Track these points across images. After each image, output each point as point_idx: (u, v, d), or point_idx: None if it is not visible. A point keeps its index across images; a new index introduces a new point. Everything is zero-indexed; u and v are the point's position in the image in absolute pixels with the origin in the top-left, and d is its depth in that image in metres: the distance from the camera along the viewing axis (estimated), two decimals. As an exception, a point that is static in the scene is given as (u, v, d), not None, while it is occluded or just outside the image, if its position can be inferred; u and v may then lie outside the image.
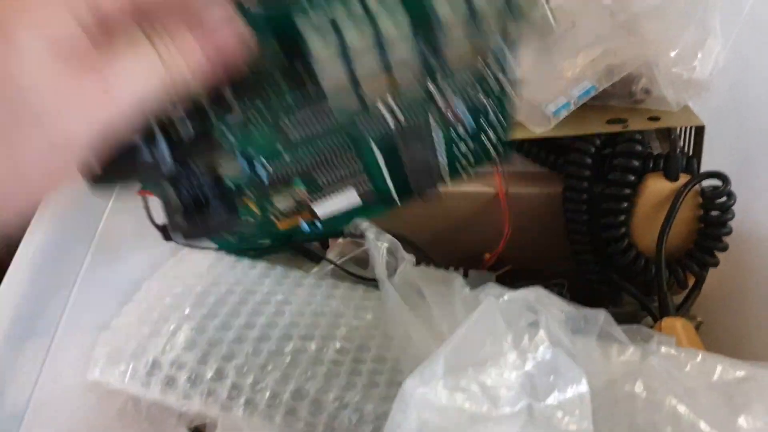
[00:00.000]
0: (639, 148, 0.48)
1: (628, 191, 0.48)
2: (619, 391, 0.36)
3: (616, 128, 0.48)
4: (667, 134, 0.50)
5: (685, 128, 0.50)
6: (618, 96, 0.49)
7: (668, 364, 0.37)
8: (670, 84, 0.47)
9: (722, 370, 0.37)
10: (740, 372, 0.36)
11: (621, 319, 0.50)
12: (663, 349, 0.39)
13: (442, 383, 0.29)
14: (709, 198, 0.46)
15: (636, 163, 0.47)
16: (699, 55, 0.45)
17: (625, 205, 0.48)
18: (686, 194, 0.46)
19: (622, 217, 0.48)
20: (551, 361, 0.32)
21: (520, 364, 0.31)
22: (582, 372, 0.32)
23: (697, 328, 0.49)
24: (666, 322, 0.45)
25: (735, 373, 0.36)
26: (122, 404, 0.34)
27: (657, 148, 0.50)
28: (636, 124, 0.48)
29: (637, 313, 0.51)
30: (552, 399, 0.32)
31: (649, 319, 0.49)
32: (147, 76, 0.20)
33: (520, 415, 0.31)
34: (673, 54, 0.46)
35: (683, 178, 0.47)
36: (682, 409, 0.35)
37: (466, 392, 0.29)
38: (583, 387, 0.33)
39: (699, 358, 0.38)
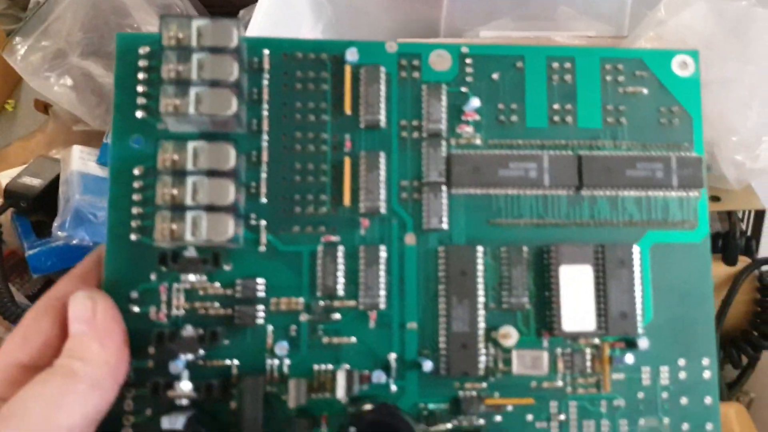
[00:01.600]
0: (698, 228, 0.47)
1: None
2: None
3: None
4: (726, 214, 0.50)
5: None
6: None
7: None
8: (732, 165, 0.46)
9: None
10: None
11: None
12: None
13: None
14: (766, 284, 0.46)
15: (694, 244, 0.48)
16: (763, 143, 0.44)
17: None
18: (744, 280, 0.46)
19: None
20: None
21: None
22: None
23: (750, 404, 0.50)
24: (720, 409, 0.46)
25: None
26: None
27: (716, 223, 0.50)
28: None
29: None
30: None
31: None
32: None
33: None
34: (735, 139, 0.45)
35: (741, 262, 0.47)
36: None
37: None
38: None
39: None
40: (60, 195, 0.59)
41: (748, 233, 0.50)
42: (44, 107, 0.68)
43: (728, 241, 0.47)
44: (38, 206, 0.59)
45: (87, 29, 0.64)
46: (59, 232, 0.56)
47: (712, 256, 0.47)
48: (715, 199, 0.48)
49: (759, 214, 0.49)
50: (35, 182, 0.59)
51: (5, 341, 0.26)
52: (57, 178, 0.60)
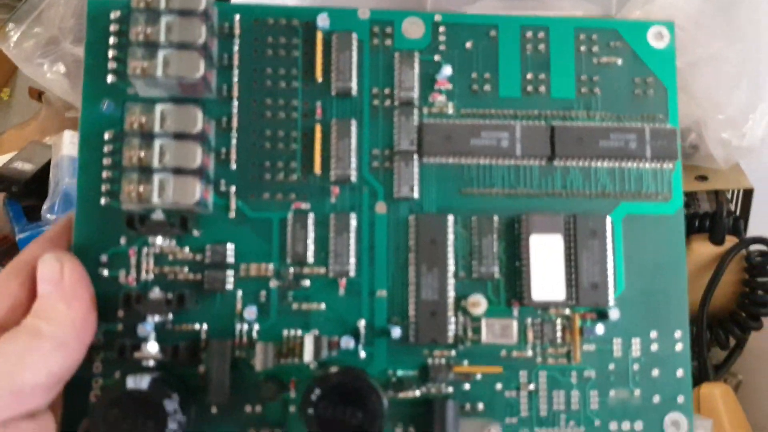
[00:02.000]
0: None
1: (671, 254, 0.48)
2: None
3: (662, 191, 0.48)
4: (714, 194, 0.49)
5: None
6: (665, 155, 0.48)
7: None
8: (719, 144, 0.46)
9: None
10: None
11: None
12: None
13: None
14: (754, 263, 0.46)
15: (681, 225, 0.47)
16: (750, 121, 0.44)
17: (669, 268, 0.48)
18: (731, 260, 0.46)
19: (665, 280, 0.48)
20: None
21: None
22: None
23: (737, 386, 0.50)
24: (705, 388, 0.46)
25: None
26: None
27: (705, 202, 0.50)
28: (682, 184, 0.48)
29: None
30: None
31: None
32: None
33: None
34: (722, 117, 0.45)
35: (729, 241, 0.46)
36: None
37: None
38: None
39: None
40: (50, 179, 0.59)
41: (737, 213, 0.49)
42: (38, 95, 0.69)
43: (715, 220, 0.46)
44: (30, 191, 0.59)
45: (79, 15, 0.64)
46: (48, 215, 0.57)
47: (700, 236, 0.47)
48: (702, 178, 0.47)
49: (747, 194, 0.49)
50: (27, 167, 0.59)
51: None
52: (49, 163, 0.60)
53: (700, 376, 0.47)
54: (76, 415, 0.26)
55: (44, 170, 0.59)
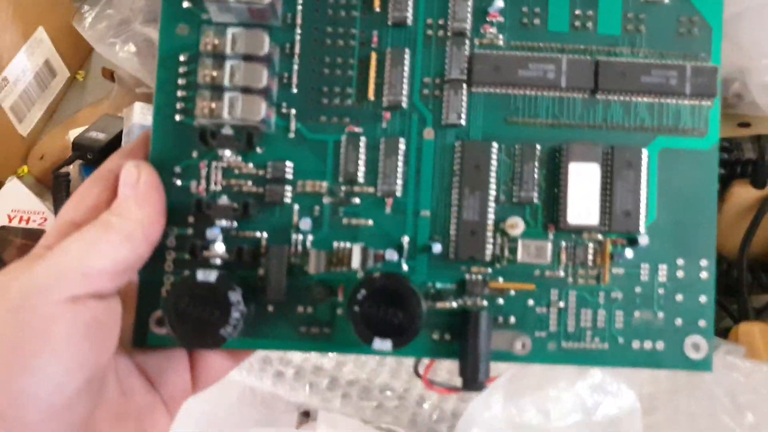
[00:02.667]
0: (725, 156, 0.48)
1: (713, 199, 0.49)
2: (679, 403, 0.40)
3: (704, 137, 0.48)
4: (757, 139, 0.50)
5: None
6: (710, 102, 0.49)
7: (730, 377, 0.40)
8: (763, 90, 0.46)
9: None
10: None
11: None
12: (728, 359, 0.41)
13: (501, 406, 0.33)
14: None
15: (722, 170, 0.48)
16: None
17: (710, 212, 0.49)
18: (772, 204, 0.47)
19: (706, 224, 0.49)
20: (600, 383, 0.36)
21: (571, 386, 0.35)
22: (630, 391, 0.36)
23: (781, 331, 0.51)
24: (743, 327, 0.47)
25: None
26: (241, 391, 0.41)
27: (749, 151, 0.50)
28: (725, 131, 0.48)
29: (718, 313, 0.53)
30: (600, 416, 0.36)
31: (729, 320, 0.51)
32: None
33: (571, 429, 0.36)
34: (765, 62, 0.45)
35: (771, 186, 0.47)
36: (738, 422, 0.38)
37: (522, 412, 0.34)
38: (631, 403, 0.36)
39: (764, 372, 0.40)
40: (122, 146, 0.63)
41: None
42: (111, 75, 0.72)
43: (757, 165, 0.47)
44: (103, 158, 0.62)
45: (149, -4, 0.67)
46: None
47: (742, 181, 0.48)
48: (745, 125, 0.48)
49: None
50: (100, 136, 0.63)
51: (64, 205, 0.29)
52: (120, 133, 0.64)
53: (740, 317, 0.48)
54: (149, 308, 0.30)
55: (116, 139, 0.64)
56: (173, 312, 0.27)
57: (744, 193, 0.48)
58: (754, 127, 0.47)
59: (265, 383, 0.41)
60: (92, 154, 0.63)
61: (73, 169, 0.64)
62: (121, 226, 0.27)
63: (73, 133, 0.65)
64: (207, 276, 0.27)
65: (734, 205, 0.49)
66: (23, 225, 0.64)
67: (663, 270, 0.30)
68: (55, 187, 0.62)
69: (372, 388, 0.41)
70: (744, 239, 0.48)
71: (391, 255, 0.30)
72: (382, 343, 0.27)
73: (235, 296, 0.27)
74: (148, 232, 0.28)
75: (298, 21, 0.31)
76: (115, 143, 0.63)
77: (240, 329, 0.28)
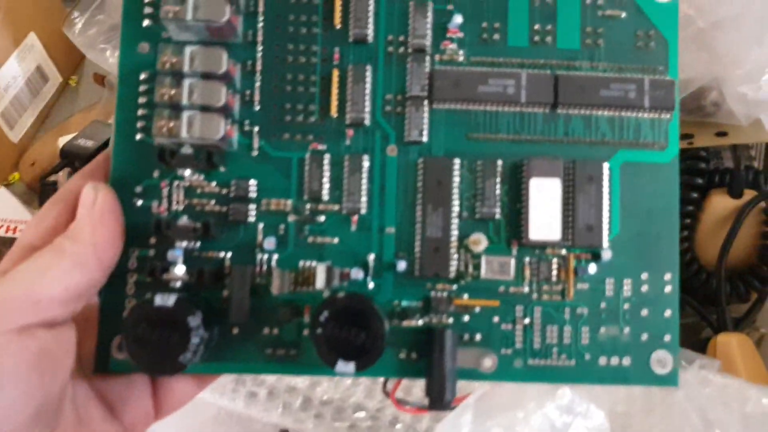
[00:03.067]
0: (702, 165, 0.48)
1: (691, 208, 0.49)
2: (653, 422, 0.39)
3: (681, 144, 0.48)
4: (732, 148, 0.50)
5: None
6: (687, 110, 0.49)
7: (703, 393, 0.40)
8: (738, 99, 0.46)
9: (754, 402, 0.39)
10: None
11: (683, 329, 0.51)
12: (701, 373, 0.41)
13: (469, 428, 0.33)
14: None
15: (699, 180, 0.48)
16: (766, 74, 0.44)
17: (688, 221, 0.49)
18: (749, 212, 0.47)
19: (685, 233, 0.50)
20: (569, 403, 0.35)
21: (539, 408, 0.35)
22: (599, 411, 0.36)
23: (760, 340, 0.51)
24: (721, 338, 0.47)
25: (765, 405, 0.38)
26: (216, 412, 0.41)
27: (729, 160, 0.51)
28: (702, 140, 0.49)
29: (698, 324, 0.53)
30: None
31: (710, 330, 0.51)
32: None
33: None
34: (740, 72, 0.45)
35: (748, 195, 0.48)
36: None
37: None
38: (600, 423, 0.36)
39: (735, 388, 0.40)
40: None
41: (761, 168, 0.50)
42: (102, 80, 0.72)
43: (733, 174, 0.47)
44: None
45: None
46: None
47: (719, 190, 0.48)
48: (722, 134, 0.48)
49: None
50: (89, 143, 0.62)
51: (24, 227, 0.29)
52: (109, 140, 0.63)
53: (718, 328, 0.48)
54: (111, 333, 0.30)
55: (105, 146, 0.62)
56: (131, 338, 0.27)
57: (722, 203, 0.48)
58: (731, 137, 0.48)
59: (238, 404, 0.40)
60: (80, 162, 0.62)
61: (61, 177, 0.63)
62: (73, 250, 0.27)
63: (63, 140, 0.64)
64: (165, 300, 0.27)
65: (712, 215, 0.49)
66: (10, 235, 0.63)
67: (628, 284, 0.30)
68: (42, 196, 0.62)
69: (346, 407, 0.40)
70: (722, 249, 0.48)
71: (357, 273, 0.30)
72: (345, 366, 0.27)
73: (195, 321, 0.27)
74: (102, 256, 0.27)
75: (260, 38, 0.31)
76: (103, 149, 0.62)
77: (201, 354, 0.28)
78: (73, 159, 0.62)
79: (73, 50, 0.67)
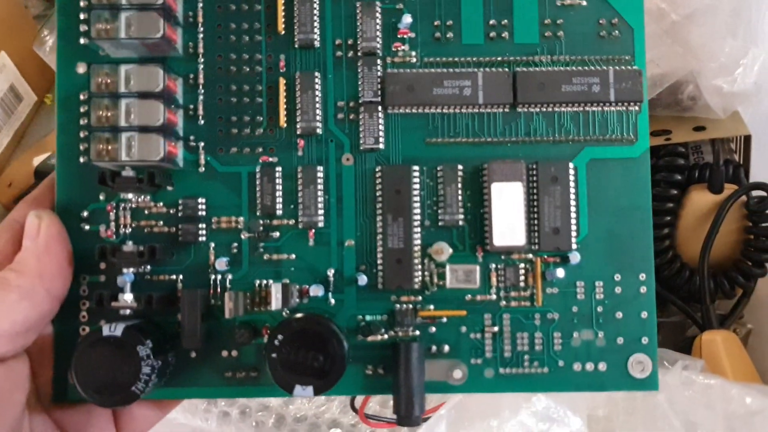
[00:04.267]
0: (681, 161, 0.47)
1: (670, 205, 0.48)
2: (636, 424, 0.38)
3: (659, 141, 0.47)
4: (711, 142, 0.48)
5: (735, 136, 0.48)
6: (664, 104, 0.47)
7: (685, 395, 0.39)
8: (714, 92, 0.45)
9: (737, 401, 0.38)
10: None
11: (668, 328, 0.50)
12: (684, 374, 0.40)
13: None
14: (754, 210, 0.45)
15: (678, 177, 0.47)
16: (741, 67, 0.43)
17: (668, 218, 0.48)
18: (729, 207, 0.45)
19: (666, 230, 0.48)
20: (545, 410, 0.34)
21: (514, 416, 0.34)
22: (576, 418, 0.34)
23: (747, 335, 0.50)
24: (706, 336, 0.46)
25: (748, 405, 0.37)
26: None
27: (709, 154, 0.49)
28: (680, 135, 0.47)
29: (683, 322, 0.51)
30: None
31: (695, 329, 0.50)
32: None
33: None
34: (715, 65, 0.44)
35: (728, 190, 0.46)
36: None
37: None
38: (578, 428, 0.35)
39: (718, 388, 0.39)
40: None
41: (740, 162, 0.48)
42: None
43: (712, 169, 0.46)
44: None
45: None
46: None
47: (699, 186, 0.47)
48: (700, 128, 0.46)
49: (747, 141, 0.47)
50: None
51: None
52: None
53: (704, 325, 0.47)
54: (67, 361, 0.28)
55: None
56: (80, 370, 0.26)
57: (702, 198, 0.47)
58: (709, 131, 0.46)
59: (211, 425, 0.39)
60: None
61: (35, 197, 0.62)
62: (19, 282, 0.25)
63: (38, 160, 0.63)
64: (113, 330, 0.26)
65: (693, 211, 0.47)
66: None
67: (600, 287, 0.29)
68: (15, 218, 0.61)
69: (320, 424, 0.39)
70: (704, 245, 0.46)
71: (316, 291, 0.28)
72: (303, 391, 0.26)
73: (144, 350, 0.26)
74: (50, 287, 0.26)
75: (200, 50, 0.29)
76: None
77: (155, 383, 0.26)
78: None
79: (46, 68, 0.66)
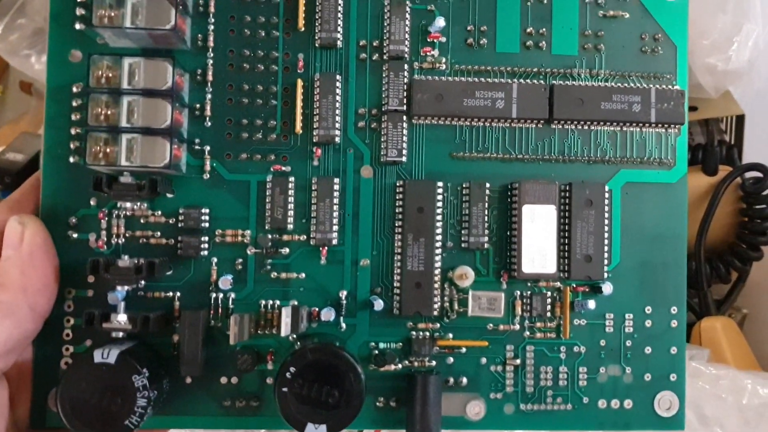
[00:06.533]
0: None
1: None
2: None
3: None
4: (704, 123, 0.47)
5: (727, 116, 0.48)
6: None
7: (695, 386, 0.37)
8: (707, 71, 0.43)
9: (752, 392, 0.37)
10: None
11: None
12: (692, 365, 0.39)
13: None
14: (750, 191, 0.44)
15: (672, 159, 0.46)
16: (735, 44, 0.42)
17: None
18: (725, 189, 0.44)
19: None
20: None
21: None
22: None
23: (743, 320, 0.49)
24: (705, 323, 0.45)
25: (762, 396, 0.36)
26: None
27: (698, 135, 0.48)
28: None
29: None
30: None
31: (692, 315, 0.49)
32: None
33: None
34: (707, 42, 0.42)
35: (723, 171, 0.45)
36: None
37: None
38: None
39: (729, 379, 0.38)
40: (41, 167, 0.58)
41: (732, 142, 0.47)
42: (29, 88, 0.67)
43: (706, 150, 0.45)
44: (22, 180, 0.58)
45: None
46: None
47: (693, 168, 0.46)
48: (692, 109, 0.45)
49: (740, 121, 0.47)
50: (18, 157, 0.58)
51: None
52: (39, 153, 0.59)
53: (701, 312, 0.46)
54: (47, 385, 0.26)
55: (35, 160, 0.58)
56: (66, 399, 0.23)
57: (697, 181, 0.46)
58: (701, 111, 0.45)
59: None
60: (10, 178, 0.57)
61: (-9, 196, 0.59)
62: (1, 298, 0.23)
63: None
64: (106, 356, 0.23)
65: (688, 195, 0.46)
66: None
67: (629, 319, 0.27)
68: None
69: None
70: (700, 230, 0.45)
71: (328, 315, 0.26)
72: (315, 430, 0.24)
73: (140, 380, 0.23)
74: (34, 304, 0.24)
75: (210, 43, 0.26)
76: (34, 164, 0.58)
77: (150, 414, 0.24)
78: (2, 175, 0.58)
79: (-2, 57, 0.62)
